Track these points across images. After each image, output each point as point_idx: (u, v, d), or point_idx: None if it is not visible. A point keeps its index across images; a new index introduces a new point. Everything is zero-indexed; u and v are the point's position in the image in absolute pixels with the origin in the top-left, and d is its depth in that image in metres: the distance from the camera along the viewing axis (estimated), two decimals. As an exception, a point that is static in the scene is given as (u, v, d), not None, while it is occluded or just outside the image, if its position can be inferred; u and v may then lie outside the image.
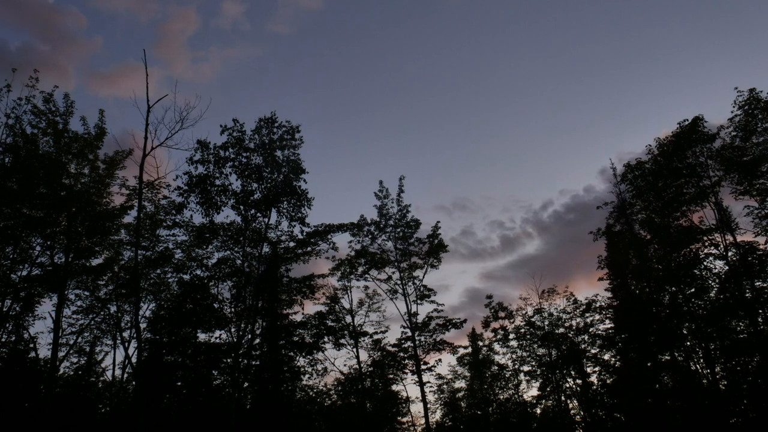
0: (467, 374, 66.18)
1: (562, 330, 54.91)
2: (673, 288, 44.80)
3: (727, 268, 42.11)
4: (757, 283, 40.54)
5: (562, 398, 55.62)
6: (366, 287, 51.51)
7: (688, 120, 43.66)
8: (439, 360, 51.39)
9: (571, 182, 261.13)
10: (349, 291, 51.51)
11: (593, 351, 53.09)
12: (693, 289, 43.92)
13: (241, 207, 38.61)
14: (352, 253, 49.38)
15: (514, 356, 57.79)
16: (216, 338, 41.18)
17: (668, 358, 45.82)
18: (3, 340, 37.63)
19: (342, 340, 49.83)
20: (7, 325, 37.32)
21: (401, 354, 50.68)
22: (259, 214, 39.40)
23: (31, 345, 39.80)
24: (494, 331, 57.13)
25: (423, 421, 52.47)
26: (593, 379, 53.70)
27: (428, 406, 51.17)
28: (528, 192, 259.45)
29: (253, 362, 41.75)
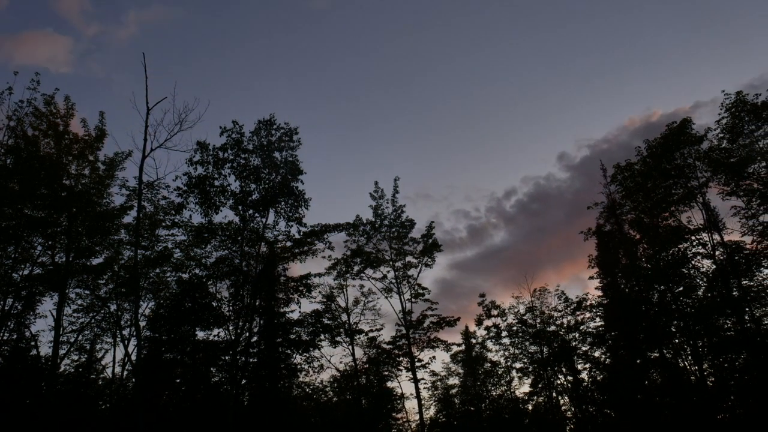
0: (461, 371, 66.21)
1: (553, 328, 55.02)
2: (662, 286, 44.90)
3: (714, 267, 42.27)
4: (744, 282, 40.67)
5: (554, 395, 55.70)
6: (361, 286, 51.62)
7: (676, 122, 43.88)
8: (433, 357, 51.40)
9: (533, 168, 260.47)
10: (345, 290, 51.58)
11: (584, 348, 53.22)
12: (681, 288, 44.02)
13: (240, 207, 38.57)
14: (348, 253, 49.43)
15: (506, 353, 57.86)
16: (214, 336, 41.13)
17: (657, 355, 45.92)
18: (5, 338, 37.50)
19: (338, 338, 49.88)
20: (9, 323, 37.19)
21: (396, 351, 50.71)
22: (257, 215, 39.36)
23: (33, 343, 39.64)
24: (487, 328, 57.22)
25: (417, 417, 52.59)
26: (584, 375, 53.88)
27: (422, 402, 51.41)
28: (491, 180, 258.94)
29: (251, 360, 41.69)
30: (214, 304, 40.38)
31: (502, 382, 60.72)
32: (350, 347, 50.54)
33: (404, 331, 48.86)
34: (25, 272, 37.94)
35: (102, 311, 43.22)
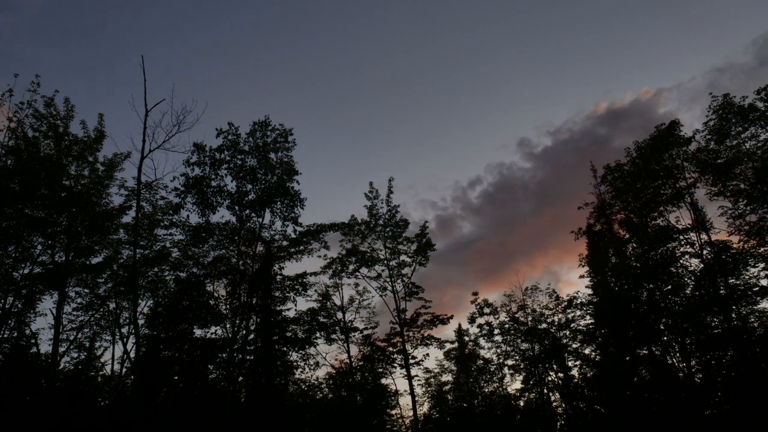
0: (454, 368, 66.22)
1: (544, 325, 55.16)
2: (651, 285, 45.01)
3: (702, 266, 42.42)
4: (731, 281, 40.81)
5: (545, 391, 55.79)
6: (356, 285, 51.79)
7: (665, 124, 44.02)
8: (427, 354, 51.58)
9: (495, 155, 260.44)
10: (340, 288, 51.69)
11: (574, 346, 53.34)
12: (669, 286, 44.15)
13: (236, 207, 38.63)
14: (343, 252, 49.48)
15: (498, 351, 57.99)
16: (212, 334, 41.07)
17: (646, 352, 46.04)
18: (5, 336, 37.44)
19: (333, 336, 49.99)
20: (9, 321, 37.15)
21: (390, 349, 50.86)
22: (253, 214, 39.43)
23: (33, 341, 39.58)
24: (480, 326, 57.40)
25: (411, 413, 52.53)
26: (574, 372, 53.98)
27: (416, 398, 51.44)
28: (454, 168, 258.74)
29: (248, 357, 41.73)
30: (211, 302, 40.32)
31: (495, 378, 60.75)
32: (345, 345, 50.68)
33: (398, 329, 48.94)
34: (26, 271, 37.91)
35: (101, 309, 43.27)
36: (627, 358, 46.81)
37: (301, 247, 43.43)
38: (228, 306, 39.84)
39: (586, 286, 52.08)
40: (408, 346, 48.70)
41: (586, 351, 52.77)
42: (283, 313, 43.91)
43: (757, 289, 40.06)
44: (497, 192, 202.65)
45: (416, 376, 55.53)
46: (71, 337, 43.57)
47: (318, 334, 47.36)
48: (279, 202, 39.28)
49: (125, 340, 43.91)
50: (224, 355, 39.47)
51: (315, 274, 47.54)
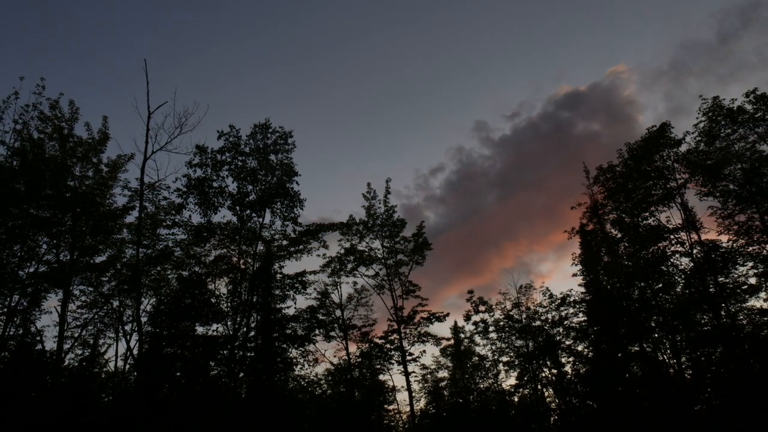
0: (450, 364, 66.37)
1: (538, 323, 55.17)
2: (642, 283, 45.13)
3: (692, 264, 42.52)
4: (720, 279, 40.94)
5: (539, 387, 55.84)
6: (355, 283, 51.87)
7: (656, 126, 44.14)
8: (424, 351, 51.87)
9: (454, 139, 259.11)
10: (338, 286, 51.74)
11: (568, 342, 53.36)
12: (660, 285, 44.26)
13: (237, 208, 38.66)
14: (342, 251, 49.52)
15: (493, 348, 58.03)
16: (213, 331, 41.12)
17: (637, 349, 46.15)
18: (11, 333, 37.40)
19: (332, 333, 50.04)
20: (15, 319, 37.15)
21: (388, 346, 50.83)
22: (254, 215, 39.45)
23: (38, 338, 39.62)
24: (475, 324, 57.41)
25: (408, 408, 52.71)
26: (567, 368, 54.05)
27: (413, 394, 51.44)
28: (414, 154, 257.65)
29: (248, 354, 41.71)
30: (212, 300, 40.41)
31: (490, 375, 60.87)
32: (344, 342, 50.71)
33: (396, 326, 49.00)
34: (31, 270, 37.91)
35: (105, 307, 43.27)
36: (619, 355, 46.90)
37: (301, 247, 43.45)
38: (229, 304, 39.89)
39: (579, 285, 52.27)
40: (405, 343, 48.76)
41: (579, 348, 52.85)
42: (283, 310, 44.00)
43: (745, 287, 40.21)
44: (460, 180, 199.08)
45: (413, 372, 55.59)
46: (76, 335, 43.54)
47: (317, 332, 47.41)
48: (279, 203, 39.35)
49: (128, 337, 43.95)
50: (225, 352, 39.52)
51: (314, 272, 47.63)
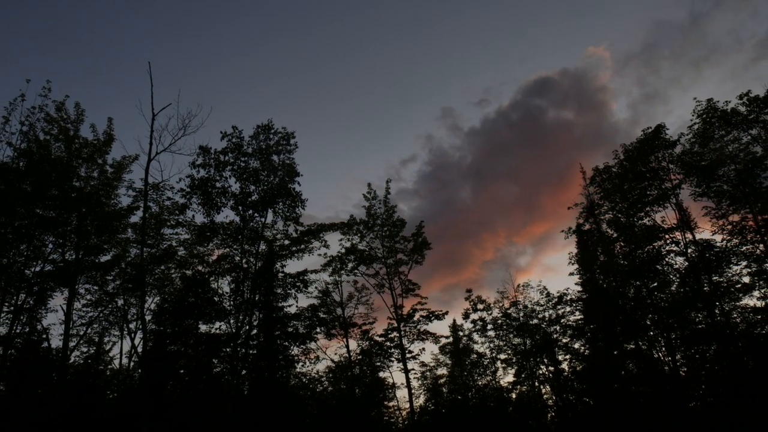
0: (449, 362, 66.40)
1: (535, 321, 55.22)
2: (638, 282, 45.16)
3: (686, 264, 42.54)
4: (714, 278, 40.95)
5: (536, 384, 55.90)
6: (355, 282, 51.98)
7: (651, 128, 44.20)
8: (423, 349, 51.79)
9: (422, 126, 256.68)
10: (339, 285, 51.84)
11: (564, 340, 53.37)
12: (655, 284, 44.28)
13: (240, 208, 38.69)
14: (343, 251, 49.51)
15: (491, 345, 58.08)
16: (216, 329, 41.07)
17: (633, 346, 46.13)
18: (18, 331, 37.45)
19: (333, 331, 50.10)
20: (22, 317, 37.19)
21: (388, 343, 50.84)
22: (256, 214, 39.47)
23: (44, 336, 39.63)
24: (473, 322, 57.49)
25: (408, 405, 52.69)
26: (564, 366, 54.06)
27: (413, 391, 51.46)
28: (386, 144, 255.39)
29: (251, 351, 41.69)
30: (215, 299, 40.36)
31: (488, 372, 60.86)
32: (345, 339, 50.82)
33: (396, 325, 49.01)
34: (37, 269, 37.97)
35: (110, 306, 43.34)
36: (615, 353, 46.89)
37: (302, 246, 43.40)
38: (232, 302, 39.86)
39: (576, 283, 52.31)
40: (405, 341, 48.76)
41: (576, 345, 52.85)
42: (285, 309, 43.94)
43: (739, 286, 40.19)
44: (433, 171, 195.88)
45: (413, 369, 55.57)
46: (81, 333, 43.65)
47: (318, 330, 47.38)
48: (281, 203, 39.39)
49: (133, 335, 44.05)
50: (228, 350, 39.50)
51: (315, 271, 47.59)
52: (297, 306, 44.99)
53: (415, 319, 49.51)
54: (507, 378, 73.60)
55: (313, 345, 46.61)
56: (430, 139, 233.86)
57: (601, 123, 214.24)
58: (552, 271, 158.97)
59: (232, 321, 39.05)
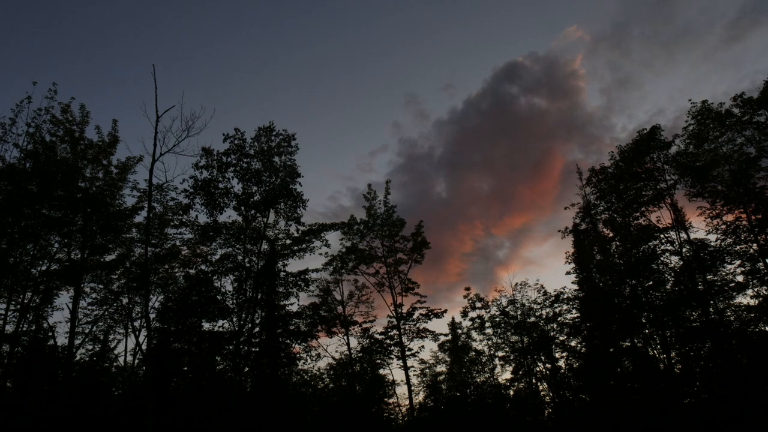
0: (447, 359, 66.46)
1: (533, 319, 55.25)
2: (633, 281, 45.16)
3: (681, 262, 42.55)
4: (708, 277, 41.00)
5: (533, 381, 55.90)
6: (356, 281, 51.99)
7: (646, 129, 44.23)
8: (422, 346, 52.01)
9: (394, 116, 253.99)
10: (340, 284, 51.92)
11: (561, 338, 53.43)
12: (651, 282, 44.26)
13: (242, 208, 38.75)
14: (343, 250, 49.63)
15: (489, 343, 58.13)
16: (219, 327, 41.07)
17: (629, 344, 46.18)
18: (24, 329, 37.46)
19: (334, 329, 50.20)
20: (28, 315, 37.18)
21: (388, 341, 50.90)
22: (258, 215, 39.52)
23: (50, 334, 39.64)
24: (472, 320, 57.52)
25: (407, 401, 52.72)
26: (561, 363, 54.10)
27: (412, 388, 51.50)
28: (357, 133, 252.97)
29: (253, 349, 41.71)
30: (218, 297, 40.38)
31: (486, 369, 60.87)
32: (345, 337, 50.84)
33: (395, 323, 49.07)
34: (43, 268, 37.95)
35: (115, 304, 43.34)
36: (611, 350, 46.91)
37: (304, 246, 43.41)
38: (234, 301, 39.87)
39: (573, 282, 52.28)
40: (404, 339, 48.83)
41: (573, 343, 52.90)
42: (287, 307, 43.95)
43: (733, 284, 40.29)
44: (405, 162, 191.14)
45: (412, 366, 55.70)
46: (86, 331, 43.61)
47: (319, 328, 47.50)
48: (282, 203, 39.45)
49: (137, 333, 44.05)
50: (231, 347, 39.53)
51: (316, 270, 47.46)
52: (298, 304, 45.26)
53: (414, 317, 49.57)
54: (505, 375, 73.80)
55: (314, 343, 46.73)
56: (398, 126, 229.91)
57: (573, 110, 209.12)
58: (533, 264, 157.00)
59: (234, 319, 39.08)
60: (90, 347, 46.72)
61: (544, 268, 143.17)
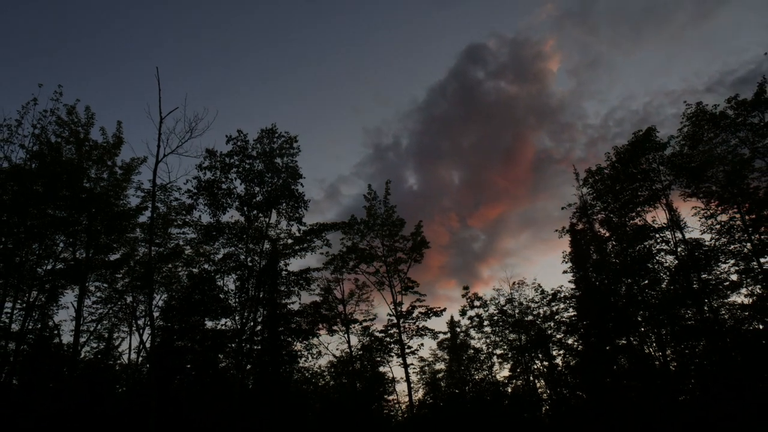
0: (446, 357, 66.38)
1: (530, 317, 55.28)
2: (629, 280, 45.16)
3: (676, 262, 42.55)
4: (703, 276, 40.98)
5: (531, 378, 55.96)
6: (356, 280, 51.92)
7: (642, 130, 44.23)
8: (422, 344, 52.06)
9: (358, 103, 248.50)
10: (341, 283, 51.89)
11: (558, 336, 53.39)
12: (646, 281, 44.25)
13: (245, 208, 38.82)
14: (344, 249, 49.55)
15: (488, 341, 58.18)
16: (222, 325, 41.20)
17: (624, 342, 46.14)
18: (30, 327, 37.53)
19: (334, 327, 50.15)
20: (34, 314, 37.27)
21: (387, 339, 50.90)
22: (260, 215, 39.60)
23: (56, 332, 39.77)
24: (470, 318, 57.56)
25: (407, 398, 52.71)
26: (558, 361, 54.07)
27: (411, 385, 51.52)
28: (321, 124, 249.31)
29: (255, 347, 41.77)
30: (221, 296, 40.44)
31: (484, 367, 60.88)
32: (346, 335, 50.83)
33: (395, 321, 49.04)
34: (49, 267, 38.05)
35: (119, 303, 43.42)
36: (607, 348, 46.91)
37: (305, 245, 43.44)
38: (237, 299, 39.92)
39: (569, 281, 52.30)
40: (404, 337, 48.77)
41: (569, 341, 52.83)
42: (288, 306, 44.00)
43: (727, 283, 40.28)
44: (374, 153, 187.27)
45: (411, 364, 55.78)
46: (91, 329, 43.77)
47: (320, 326, 47.53)
48: (284, 204, 39.52)
49: (141, 331, 44.09)
50: (233, 345, 39.58)
51: (317, 269, 47.58)
52: (300, 303, 45.12)
53: (414, 315, 49.55)
54: (503, 372, 74.04)
55: (315, 341, 46.74)
56: (359, 109, 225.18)
57: (542, 92, 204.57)
58: (512, 256, 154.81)
59: (237, 317, 39.13)
60: (95, 345, 46.93)
61: (522, 260, 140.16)
